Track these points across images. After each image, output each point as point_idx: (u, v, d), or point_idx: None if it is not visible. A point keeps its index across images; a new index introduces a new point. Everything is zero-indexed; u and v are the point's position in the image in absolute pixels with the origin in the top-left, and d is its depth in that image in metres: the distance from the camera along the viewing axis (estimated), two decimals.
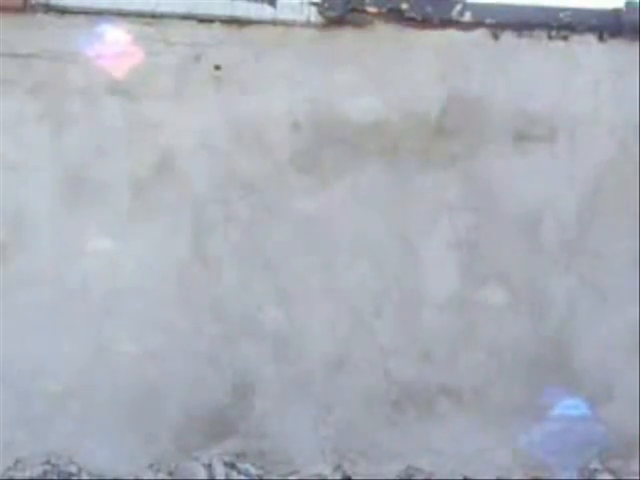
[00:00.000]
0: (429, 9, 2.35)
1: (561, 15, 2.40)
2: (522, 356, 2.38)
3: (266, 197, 2.39)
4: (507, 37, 2.41)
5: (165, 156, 2.36)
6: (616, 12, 2.40)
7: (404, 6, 2.34)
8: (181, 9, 2.31)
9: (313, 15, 2.33)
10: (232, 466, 2.40)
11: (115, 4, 2.28)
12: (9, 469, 2.39)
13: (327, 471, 2.42)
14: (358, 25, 2.35)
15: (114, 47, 2.30)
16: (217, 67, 2.35)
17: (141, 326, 2.37)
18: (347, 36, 2.36)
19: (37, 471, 2.40)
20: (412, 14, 2.34)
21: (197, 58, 2.34)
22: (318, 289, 2.38)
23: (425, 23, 2.36)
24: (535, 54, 2.42)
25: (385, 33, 2.37)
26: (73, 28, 2.29)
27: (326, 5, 2.32)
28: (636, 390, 2.47)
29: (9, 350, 2.35)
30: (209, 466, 2.39)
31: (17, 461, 2.40)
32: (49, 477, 2.40)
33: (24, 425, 2.38)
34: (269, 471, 2.40)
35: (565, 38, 2.41)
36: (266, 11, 2.33)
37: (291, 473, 2.41)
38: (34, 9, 2.26)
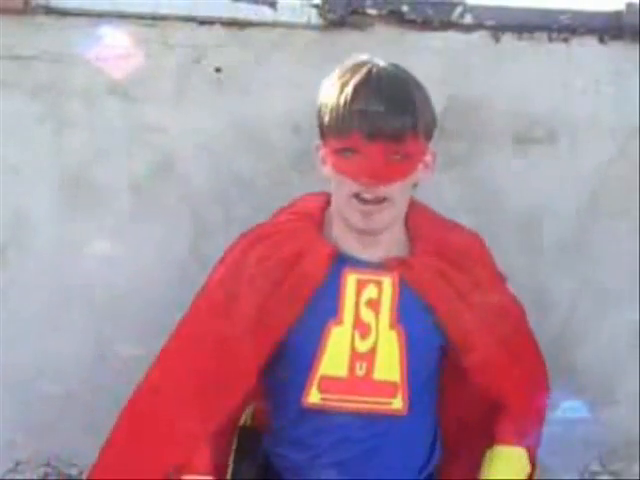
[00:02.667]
0: (429, 11, 2.35)
1: (561, 17, 2.40)
2: None
3: (266, 199, 2.39)
4: (507, 39, 2.41)
5: (165, 158, 2.37)
6: (616, 14, 2.39)
7: (404, 8, 2.34)
8: (181, 11, 2.31)
9: (313, 17, 2.33)
10: None
11: (116, 6, 2.28)
12: (9, 471, 2.39)
13: None
14: (359, 27, 2.36)
15: (115, 49, 2.30)
16: (217, 69, 2.35)
17: (142, 328, 2.37)
18: (347, 38, 2.36)
19: (38, 473, 2.40)
20: (412, 16, 2.34)
21: (197, 60, 2.34)
22: None
23: (425, 25, 2.36)
24: (535, 56, 2.42)
25: (386, 35, 2.37)
26: (74, 30, 2.29)
27: (327, 7, 2.32)
28: (637, 392, 2.48)
29: (9, 352, 2.35)
30: None
31: (17, 463, 2.40)
32: (49, 479, 2.40)
33: (24, 427, 2.38)
34: None
35: (565, 40, 2.41)
36: (266, 13, 2.33)
37: None
38: (35, 11, 2.26)
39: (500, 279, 2.01)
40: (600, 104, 2.43)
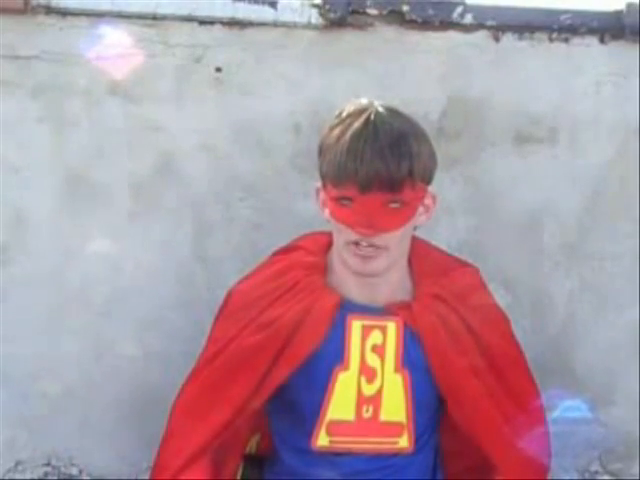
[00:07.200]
0: (430, 11, 2.35)
1: (562, 17, 2.40)
2: None
3: (267, 199, 2.39)
4: (508, 39, 2.41)
5: (166, 158, 2.37)
6: (617, 14, 2.39)
7: (405, 8, 2.34)
8: (182, 11, 2.30)
9: (314, 17, 2.33)
10: None
11: (116, 6, 2.28)
12: (9, 470, 2.40)
13: None
14: (359, 27, 2.36)
15: (115, 49, 2.30)
16: (218, 69, 2.35)
17: (142, 328, 2.38)
18: (348, 38, 2.37)
19: (38, 472, 2.40)
20: (413, 16, 2.34)
21: (198, 60, 2.34)
22: None
23: (426, 25, 2.36)
24: (536, 56, 2.42)
25: (386, 35, 2.37)
26: (74, 30, 2.29)
27: (327, 7, 2.32)
28: (637, 392, 2.48)
29: (10, 351, 2.35)
30: None
31: (17, 463, 2.40)
32: (50, 478, 2.40)
33: (25, 426, 2.39)
34: None
35: (566, 40, 2.41)
36: (267, 13, 2.33)
37: None
38: (35, 11, 2.26)
39: (496, 315, 1.99)
40: (600, 104, 2.43)
